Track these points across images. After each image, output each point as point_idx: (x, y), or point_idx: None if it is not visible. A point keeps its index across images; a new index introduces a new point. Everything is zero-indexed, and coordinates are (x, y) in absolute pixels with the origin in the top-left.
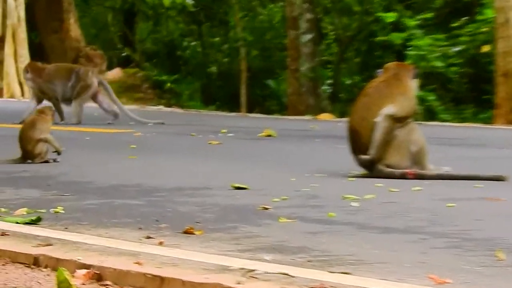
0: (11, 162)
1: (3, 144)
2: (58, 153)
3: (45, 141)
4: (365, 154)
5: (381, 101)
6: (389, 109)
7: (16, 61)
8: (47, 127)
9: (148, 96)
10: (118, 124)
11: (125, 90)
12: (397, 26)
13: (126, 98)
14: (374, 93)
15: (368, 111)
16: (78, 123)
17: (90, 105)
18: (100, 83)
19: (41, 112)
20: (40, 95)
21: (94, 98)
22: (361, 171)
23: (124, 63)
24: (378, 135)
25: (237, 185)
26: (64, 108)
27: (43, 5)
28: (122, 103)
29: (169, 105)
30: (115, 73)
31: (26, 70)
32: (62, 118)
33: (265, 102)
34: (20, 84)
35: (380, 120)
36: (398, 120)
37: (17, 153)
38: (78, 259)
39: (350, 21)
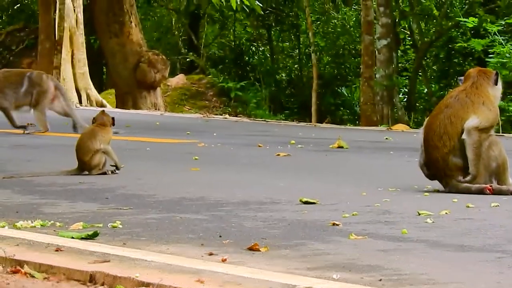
0: (66, 174)
1: (57, 154)
2: (117, 167)
3: (104, 152)
4: (441, 168)
5: (463, 112)
6: (473, 120)
7: (73, 66)
8: (107, 138)
9: (213, 104)
10: (176, 133)
11: (189, 97)
12: (478, 32)
13: (189, 106)
14: (454, 104)
15: (449, 123)
16: (46, 130)
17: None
18: (56, 87)
19: (101, 122)
20: None
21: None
22: (435, 186)
23: (188, 69)
24: (471, 152)
25: (305, 199)
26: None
27: (103, 7)
28: (183, 111)
29: (235, 114)
30: (179, 79)
31: None
32: (15, 126)
33: (337, 111)
34: (78, 91)
35: (468, 136)
36: (482, 131)
37: (74, 164)
38: (137, 277)
39: (429, 26)
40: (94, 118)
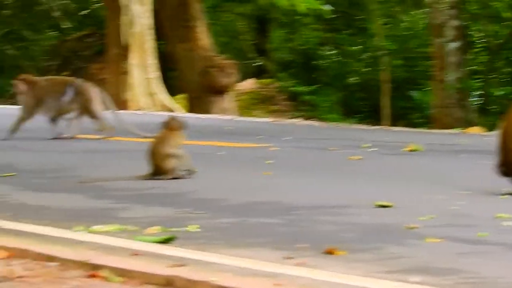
0: (139, 179)
1: (129, 159)
2: (190, 172)
3: (176, 156)
4: None
5: None
6: None
7: (144, 72)
8: (178, 142)
9: (283, 109)
10: (247, 137)
11: (259, 102)
12: None
13: (260, 111)
14: None
15: None
16: (113, 132)
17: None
18: (100, 95)
19: (172, 126)
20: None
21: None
22: None
23: (258, 73)
24: None
25: (380, 203)
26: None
27: (170, 12)
28: (254, 116)
29: (306, 118)
30: (248, 84)
31: (20, 83)
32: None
33: (408, 114)
34: (149, 96)
35: None
36: None
37: (146, 168)
38: (213, 281)
39: (500, 28)
40: (164, 123)
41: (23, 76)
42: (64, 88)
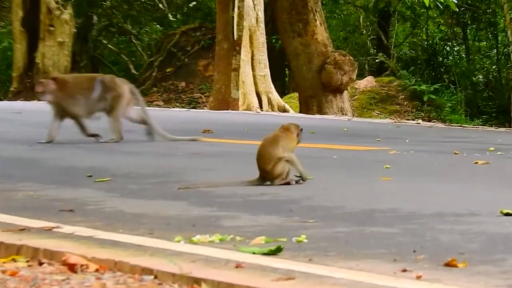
0: (247, 184)
1: (235, 162)
2: (302, 178)
3: (288, 161)
4: None
5: None
6: None
7: (253, 68)
8: (292, 146)
9: (404, 109)
10: (364, 139)
11: (378, 101)
12: None
13: (379, 110)
14: None
15: None
16: (120, 139)
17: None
18: (131, 91)
19: (285, 128)
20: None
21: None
22: None
23: (377, 70)
24: None
25: (507, 211)
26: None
27: (285, 5)
28: (372, 116)
29: (428, 119)
30: (367, 82)
31: (47, 82)
32: (86, 135)
33: None
34: (258, 95)
35: None
36: None
37: (254, 173)
38: None
39: None
40: (282, 126)
41: (52, 75)
42: (93, 84)
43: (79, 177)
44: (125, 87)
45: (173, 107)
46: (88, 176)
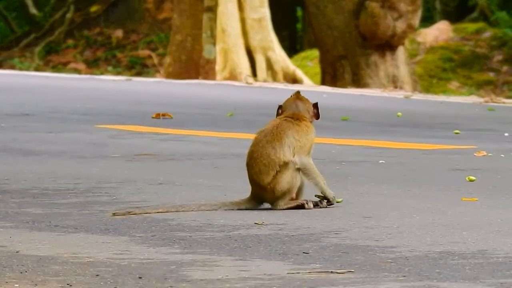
0: (230, 208)
1: (212, 170)
2: (327, 200)
3: (301, 169)
4: None
5: None
6: None
7: (240, 7)
8: (306, 143)
9: (504, 78)
10: (431, 132)
11: (458, 65)
12: None
13: (459, 81)
14: None
15: None
16: None
17: None
18: None
19: (293, 112)
20: None
21: None
22: None
23: (457, 12)
24: None
25: None
26: None
27: None
28: (447, 91)
29: None
30: (439, 31)
31: None
32: None
33: None
34: (249, 52)
35: None
36: None
37: (244, 190)
38: None
39: None
40: (280, 106)
41: None
42: None
43: None
44: None
45: (102, 74)
46: None
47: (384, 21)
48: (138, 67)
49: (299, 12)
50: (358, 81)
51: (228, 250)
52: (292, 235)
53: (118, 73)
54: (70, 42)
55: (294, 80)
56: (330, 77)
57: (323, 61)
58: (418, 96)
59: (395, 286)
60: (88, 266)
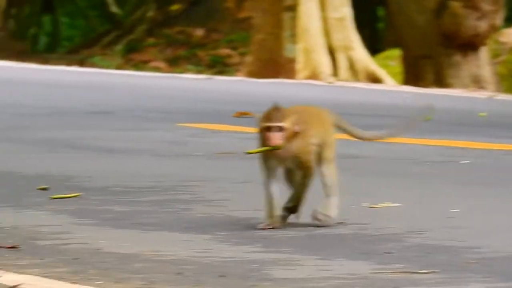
0: None
1: None
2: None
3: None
4: None
5: None
6: None
7: (322, 7)
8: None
9: None
10: None
11: None
12: None
13: None
14: None
15: None
16: None
17: None
18: None
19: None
20: None
21: None
22: None
23: None
24: None
25: None
26: None
27: None
28: None
29: None
30: None
31: None
32: None
33: None
34: (332, 52)
35: None
36: None
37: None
38: None
39: None
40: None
41: None
42: None
43: (27, 191)
44: None
45: (183, 73)
46: (40, 189)
47: (466, 21)
48: (219, 66)
49: (380, 12)
50: (440, 81)
51: (311, 249)
52: (375, 235)
53: (199, 72)
54: (150, 40)
55: (376, 79)
56: (412, 76)
57: (405, 61)
58: (502, 96)
59: (479, 287)
60: (170, 264)
